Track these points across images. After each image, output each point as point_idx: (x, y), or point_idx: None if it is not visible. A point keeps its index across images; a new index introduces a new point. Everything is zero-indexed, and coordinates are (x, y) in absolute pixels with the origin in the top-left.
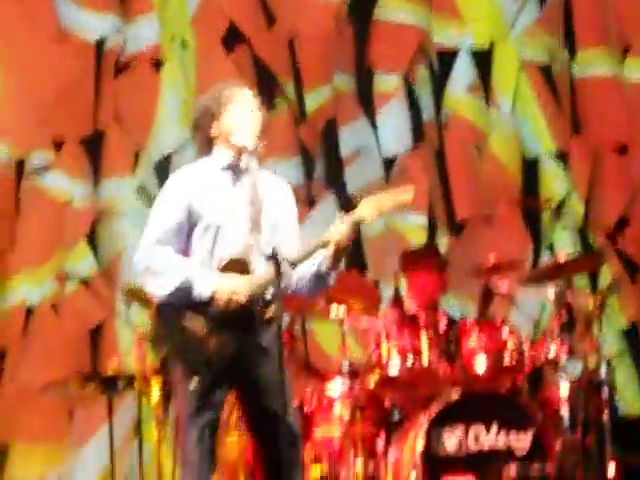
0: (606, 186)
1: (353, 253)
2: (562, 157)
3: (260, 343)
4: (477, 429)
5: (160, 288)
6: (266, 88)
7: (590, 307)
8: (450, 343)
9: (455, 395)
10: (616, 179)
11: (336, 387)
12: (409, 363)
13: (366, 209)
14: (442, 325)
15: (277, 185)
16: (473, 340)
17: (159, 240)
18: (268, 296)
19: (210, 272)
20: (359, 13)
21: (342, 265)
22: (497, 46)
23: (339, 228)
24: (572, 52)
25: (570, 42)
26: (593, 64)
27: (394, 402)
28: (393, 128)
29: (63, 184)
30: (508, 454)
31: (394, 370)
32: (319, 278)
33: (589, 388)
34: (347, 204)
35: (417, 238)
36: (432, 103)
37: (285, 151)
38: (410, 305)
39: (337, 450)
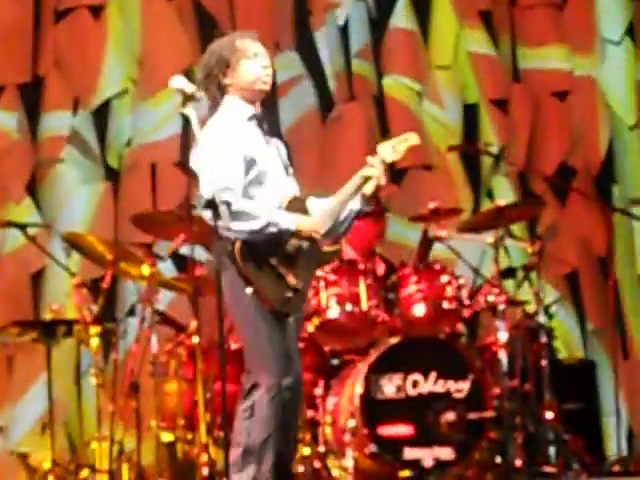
0: (546, 132)
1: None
2: (502, 104)
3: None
4: (416, 375)
5: (248, 229)
6: (207, 34)
7: (529, 253)
8: (388, 290)
9: (394, 341)
10: (556, 125)
11: None
12: (347, 310)
13: (384, 151)
14: (380, 271)
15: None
16: (412, 286)
17: (229, 188)
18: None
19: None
20: None
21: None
22: None
23: (372, 168)
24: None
25: None
26: None
27: (333, 348)
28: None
29: (1, 129)
30: (447, 400)
31: (333, 317)
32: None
33: (527, 334)
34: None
35: None
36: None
37: None
38: (348, 251)
39: None
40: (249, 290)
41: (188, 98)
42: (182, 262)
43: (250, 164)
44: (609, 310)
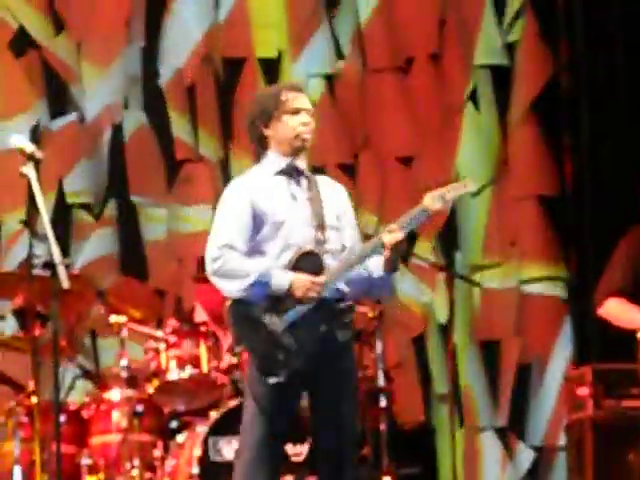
0: (393, 197)
1: (132, 260)
2: (348, 168)
3: (335, 339)
4: None
5: (235, 288)
6: (55, 94)
7: (370, 316)
8: (230, 352)
9: (233, 404)
10: (402, 190)
11: (114, 394)
12: (187, 372)
13: (431, 201)
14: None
15: (332, 185)
16: None
17: (229, 245)
18: (341, 290)
19: (284, 269)
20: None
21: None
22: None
23: (392, 232)
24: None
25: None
26: None
27: (172, 410)
28: None
29: None
30: (285, 463)
31: (173, 378)
32: (375, 281)
33: (367, 398)
34: None
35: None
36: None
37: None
38: (200, 314)
39: (115, 457)
40: (238, 349)
41: (28, 157)
42: (23, 321)
43: (262, 219)
44: (449, 376)
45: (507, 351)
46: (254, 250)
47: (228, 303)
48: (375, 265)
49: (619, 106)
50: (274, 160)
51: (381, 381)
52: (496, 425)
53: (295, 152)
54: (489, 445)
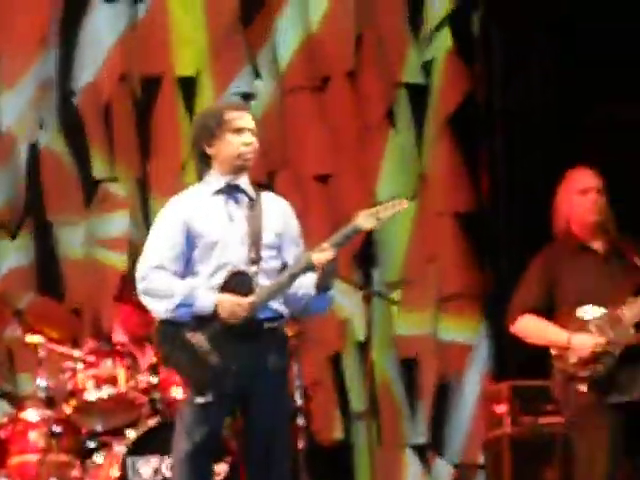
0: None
1: (49, 279)
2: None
3: (265, 358)
4: None
5: (162, 308)
6: None
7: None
8: (149, 372)
9: (151, 423)
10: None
11: (31, 414)
12: (105, 391)
13: (364, 219)
14: (148, 356)
15: (276, 202)
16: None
17: (158, 265)
18: (274, 309)
19: (211, 290)
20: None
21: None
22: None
23: (323, 251)
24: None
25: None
26: None
27: (90, 430)
28: None
29: None
30: None
31: (90, 398)
32: (312, 300)
33: None
34: None
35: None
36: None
37: None
38: (118, 334)
39: (32, 478)
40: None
41: None
42: None
43: (195, 239)
44: (367, 394)
45: (426, 369)
46: (188, 270)
47: (156, 323)
48: (311, 283)
49: (534, 122)
50: (215, 179)
51: (299, 399)
52: (415, 442)
53: (236, 171)
54: (408, 462)
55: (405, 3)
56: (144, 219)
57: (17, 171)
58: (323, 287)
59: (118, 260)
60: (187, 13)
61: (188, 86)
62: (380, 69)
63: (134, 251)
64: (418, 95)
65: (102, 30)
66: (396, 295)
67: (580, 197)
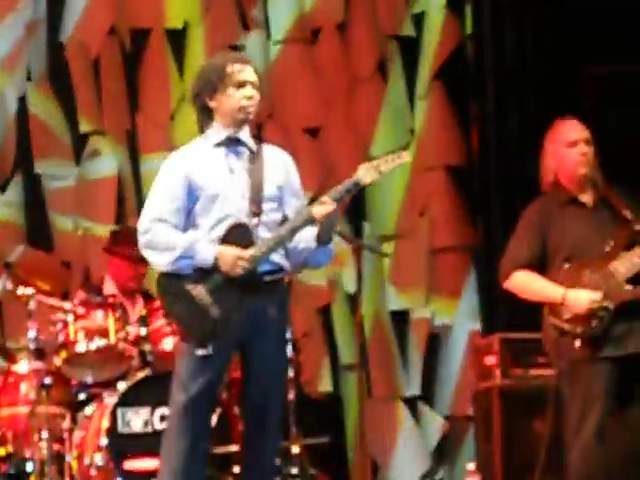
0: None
1: (40, 234)
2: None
3: (265, 310)
4: (164, 409)
5: (163, 261)
6: None
7: None
8: (139, 323)
9: (141, 375)
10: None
11: (22, 366)
12: (96, 344)
13: (365, 172)
14: (138, 308)
15: (278, 155)
16: (161, 320)
17: (159, 218)
18: (274, 261)
19: (212, 242)
20: None
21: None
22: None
23: (324, 204)
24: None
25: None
26: None
27: (80, 382)
28: None
29: None
30: None
31: (80, 350)
32: (313, 253)
33: None
34: None
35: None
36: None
37: None
38: (110, 287)
39: (23, 429)
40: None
41: None
42: None
43: (196, 192)
44: (356, 346)
45: (417, 321)
46: (190, 223)
47: (157, 275)
48: (311, 236)
49: (525, 75)
50: (216, 132)
51: (289, 351)
52: (405, 395)
53: (238, 125)
54: (398, 414)
55: None
56: (133, 171)
57: (4, 123)
58: (323, 240)
59: (106, 213)
60: None
61: (177, 39)
62: (370, 21)
63: (122, 203)
64: (409, 48)
65: None
66: (387, 248)
67: (568, 149)
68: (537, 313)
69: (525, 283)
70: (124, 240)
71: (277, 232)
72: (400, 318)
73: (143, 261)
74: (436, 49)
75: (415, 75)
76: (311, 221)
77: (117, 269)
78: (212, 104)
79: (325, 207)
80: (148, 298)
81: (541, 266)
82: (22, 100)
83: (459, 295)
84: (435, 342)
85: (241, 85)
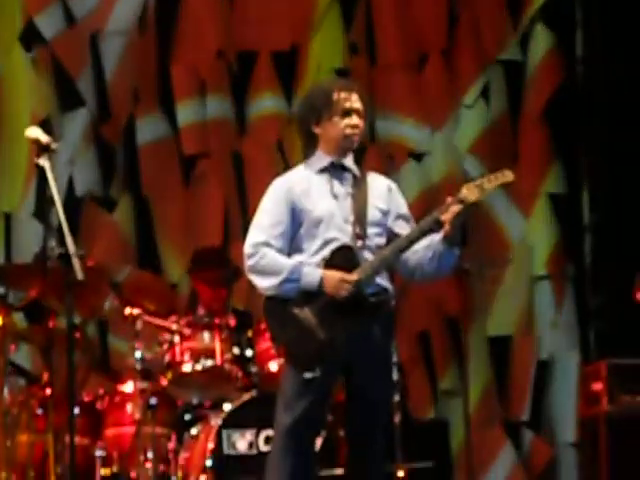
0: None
1: (147, 253)
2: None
3: (370, 332)
4: (269, 431)
5: (268, 285)
6: (64, 88)
7: None
8: (244, 345)
9: (247, 396)
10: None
11: (129, 386)
12: (202, 364)
13: (469, 191)
14: (230, 327)
15: (381, 181)
16: (267, 342)
17: (264, 242)
18: (379, 284)
19: (317, 265)
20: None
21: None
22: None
23: (446, 208)
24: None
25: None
26: None
27: (186, 402)
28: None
29: None
30: None
31: (187, 370)
32: (442, 258)
33: None
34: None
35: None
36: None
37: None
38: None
39: (128, 450)
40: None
41: (43, 149)
42: (36, 313)
43: (300, 217)
44: (459, 370)
45: (520, 347)
46: (294, 248)
47: (263, 299)
48: (437, 241)
49: (635, 103)
50: (320, 158)
51: (395, 375)
52: (510, 420)
53: (342, 152)
54: (501, 440)
55: None
56: (239, 195)
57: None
58: (453, 242)
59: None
60: None
61: (284, 61)
62: (474, 46)
63: (227, 227)
64: (514, 72)
65: (199, 7)
66: (490, 273)
67: None
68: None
69: None
70: (204, 262)
71: (380, 254)
72: (502, 344)
73: (223, 283)
74: (543, 74)
75: (520, 100)
76: (435, 228)
77: (201, 290)
78: (317, 130)
79: (453, 207)
80: (242, 317)
81: None
82: (130, 120)
83: (560, 322)
84: (539, 368)
85: (346, 113)
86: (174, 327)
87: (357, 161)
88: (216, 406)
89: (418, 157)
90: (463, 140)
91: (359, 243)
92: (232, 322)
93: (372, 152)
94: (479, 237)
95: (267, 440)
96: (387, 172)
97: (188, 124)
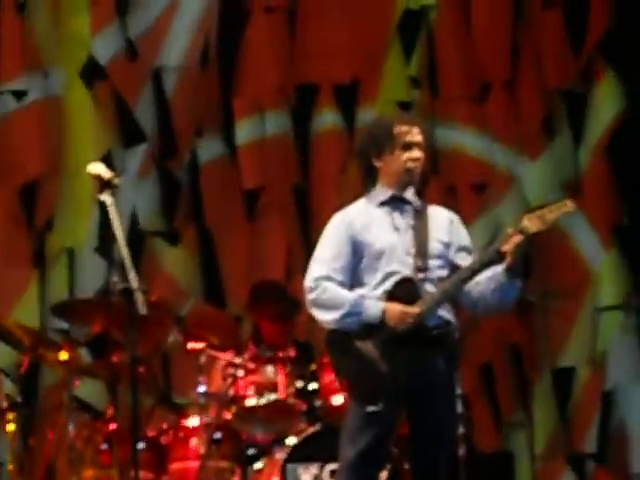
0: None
1: (211, 286)
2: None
3: (433, 365)
4: (333, 465)
5: (331, 318)
6: (126, 124)
7: None
8: (308, 378)
9: (311, 430)
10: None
11: (193, 420)
12: (266, 398)
13: (530, 222)
14: (292, 359)
15: (441, 212)
16: (331, 375)
17: (325, 276)
18: (442, 316)
19: (378, 298)
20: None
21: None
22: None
23: (508, 239)
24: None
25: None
26: None
27: (250, 437)
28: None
29: None
30: None
31: (251, 405)
32: (504, 290)
33: None
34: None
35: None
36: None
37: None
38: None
39: None
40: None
41: (105, 184)
42: (100, 348)
43: (361, 250)
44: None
45: (582, 379)
46: (356, 281)
47: (326, 332)
48: (499, 273)
49: None
50: (380, 192)
51: (459, 407)
52: (575, 452)
53: (403, 185)
54: (565, 473)
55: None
56: (302, 228)
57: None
58: (515, 273)
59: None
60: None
61: (345, 94)
62: (537, 77)
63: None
64: (576, 103)
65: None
66: (554, 304)
67: None
68: None
69: None
70: (263, 297)
71: (442, 286)
72: (566, 375)
73: (284, 317)
74: (603, 106)
75: (582, 131)
76: (496, 258)
77: (262, 325)
78: (378, 164)
79: (514, 238)
80: (304, 349)
81: None
82: (193, 154)
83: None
84: (605, 399)
85: (407, 147)
86: (238, 361)
87: (419, 193)
88: (280, 440)
89: (481, 189)
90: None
91: (420, 275)
92: (292, 353)
93: (434, 184)
94: (546, 268)
95: (332, 474)
96: (448, 204)
97: (247, 155)
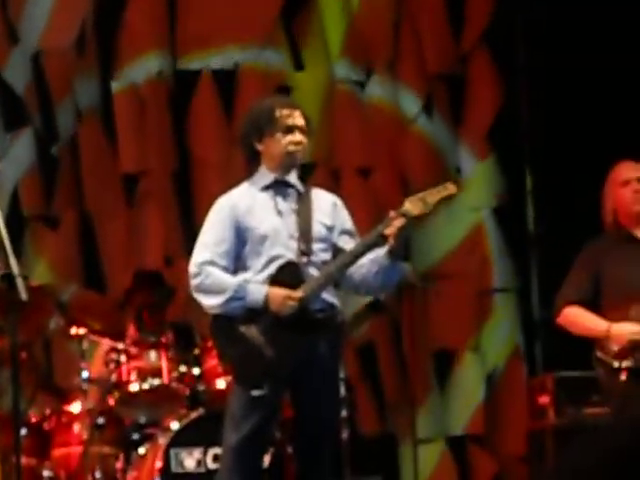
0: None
1: (93, 272)
2: None
3: (316, 348)
4: (217, 449)
5: (214, 303)
6: (11, 109)
7: None
8: (191, 363)
9: (194, 415)
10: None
11: (76, 406)
12: (149, 383)
13: (412, 205)
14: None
15: (326, 197)
16: (214, 359)
17: (208, 261)
18: (326, 300)
19: (262, 282)
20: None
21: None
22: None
23: (390, 222)
24: None
25: None
26: None
27: (134, 422)
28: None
29: None
30: None
31: (134, 390)
32: (386, 273)
33: None
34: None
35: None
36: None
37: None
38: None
39: (76, 469)
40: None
41: None
42: None
43: (245, 235)
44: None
45: (464, 360)
46: (240, 265)
47: (209, 318)
48: (382, 256)
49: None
50: (263, 175)
51: (342, 390)
52: (453, 434)
53: (285, 169)
54: (447, 454)
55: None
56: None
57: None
58: (397, 255)
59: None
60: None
61: (225, 80)
62: (417, 60)
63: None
64: (456, 87)
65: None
66: (433, 287)
67: (622, 189)
68: (590, 351)
69: (574, 318)
70: (140, 286)
71: (325, 270)
72: (447, 357)
73: (160, 305)
74: (485, 92)
75: (461, 114)
76: (380, 241)
77: (142, 312)
78: (260, 147)
79: (396, 221)
80: (184, 333)
81: (595, 303)
82: (73, 138)
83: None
84: (485, 381)
85: (289, 130)
86: (120, 346)
87: (302, 177)
88: (163, 425)
89: (365, 173)
90: (405, 155)
91: (304, 259)
92: (170, 338)
93: (320, 169)
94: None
95: (215, 458)
96: (334, 189)
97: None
